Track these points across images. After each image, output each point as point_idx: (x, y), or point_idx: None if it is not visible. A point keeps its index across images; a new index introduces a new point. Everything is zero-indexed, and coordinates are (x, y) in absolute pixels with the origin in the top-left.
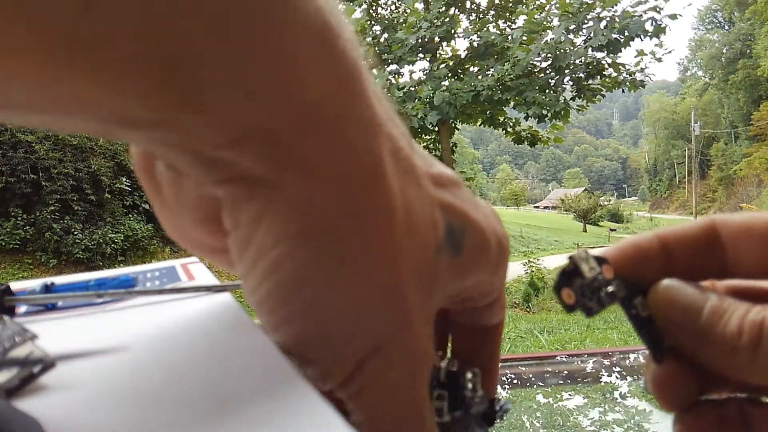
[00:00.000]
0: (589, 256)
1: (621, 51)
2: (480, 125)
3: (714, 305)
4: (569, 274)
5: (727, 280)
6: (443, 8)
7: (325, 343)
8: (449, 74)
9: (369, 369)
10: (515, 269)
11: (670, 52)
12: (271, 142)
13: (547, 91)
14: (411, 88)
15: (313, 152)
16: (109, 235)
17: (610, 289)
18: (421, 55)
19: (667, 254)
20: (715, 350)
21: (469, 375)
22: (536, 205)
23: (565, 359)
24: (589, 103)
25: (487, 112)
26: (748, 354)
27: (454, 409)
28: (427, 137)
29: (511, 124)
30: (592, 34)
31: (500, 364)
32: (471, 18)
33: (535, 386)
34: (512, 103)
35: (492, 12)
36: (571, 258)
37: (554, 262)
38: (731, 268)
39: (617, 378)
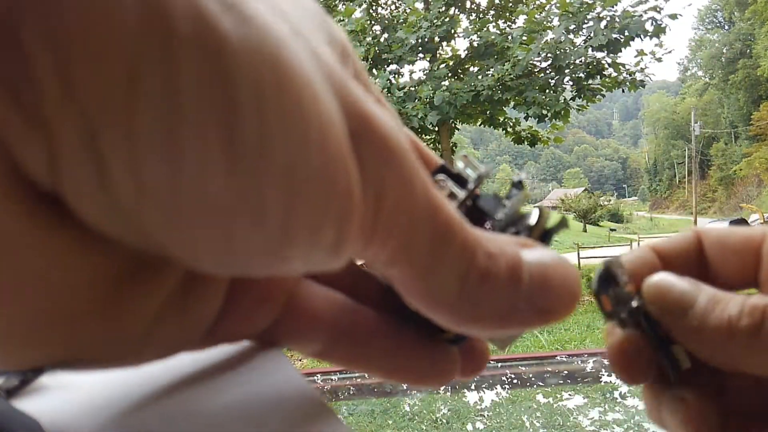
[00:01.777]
0: (621, 264)
1: (621, 51)
2: (480, 125)
3: (711, 294)
4: (606, 281)
5: None
6: (443, 8)
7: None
8: (449, 74)
9: (367, 162)
10: None
11: (670, 52)
12: None
13: (547, 91)
14: (411, 88)
15: None
16: None
17: (635, 303)
18: (421, 54)
19: (665, 265)
20: (711, 336)
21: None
22: (536, 205)
23: (565, 359)
24: (589, 103)
25: (487, 112)
26: (747, 338)
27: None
28: (427, 137)
29: (511, 124)
30: (592, 34)
31: (500, 364)
32: (471, 18)
33: (535, 386)
34: (512, 103)
35: (492, 12)
36: (607, 265)
37: None
38: (713, 277)
39: (617, 378)
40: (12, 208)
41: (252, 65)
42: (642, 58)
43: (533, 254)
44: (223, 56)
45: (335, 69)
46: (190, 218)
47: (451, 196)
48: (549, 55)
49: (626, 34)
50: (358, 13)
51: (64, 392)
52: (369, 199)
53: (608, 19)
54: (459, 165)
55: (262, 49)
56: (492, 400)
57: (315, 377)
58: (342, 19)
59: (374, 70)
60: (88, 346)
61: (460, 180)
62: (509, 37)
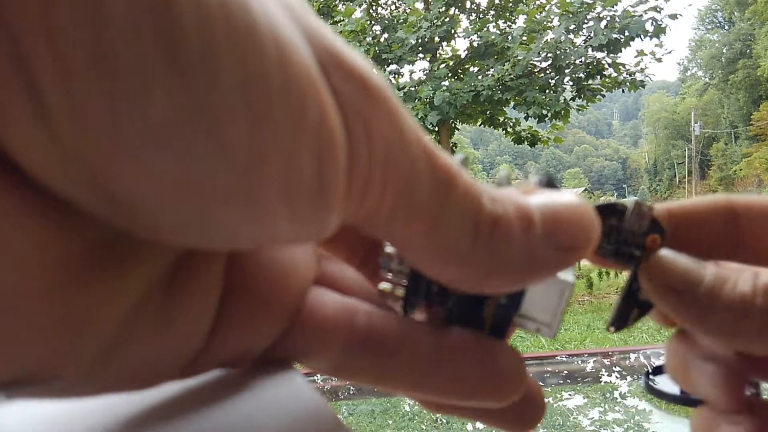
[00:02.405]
0: (647, 213)
1: (621, 51)
2: (480, 125)
3: (716, 271)
4: (614, 211)
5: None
6: (443, 8)
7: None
8: (449, 74)
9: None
10: None
11: (670, 52)
12: None
13: (547, 91)
14: (411, 88)
15: None
16: None
17: (638, 253)
18: (421, 55)
19: (677, 229)
20: (721, 317)
21: None
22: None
23: (565, 359)
24: (589, 103)
25: (487, 112)
26: (763, 317)
27: None
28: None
29: (511, 124)
30: (592, 34)
31: None
32: (471, 18)
33: None
34: (512, 103)
35: (492, 12)
36: (634, 202)
37: None
38: (745, 251)
39: (617, 378)
40: None
41: None
42: (642, 58)
43: (538, 197)
44: None
45: (298, 8)
46: (136, 146)
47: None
48: (549, 55)
49: (626, 34)
50: (358, 13)
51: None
52: (358, 137)
53: (608, 19)
54: None
55: None
56: None
57: (315, 377)
58: (342, 19)
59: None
60: (49, 340)
61: None
62: (509, 37)
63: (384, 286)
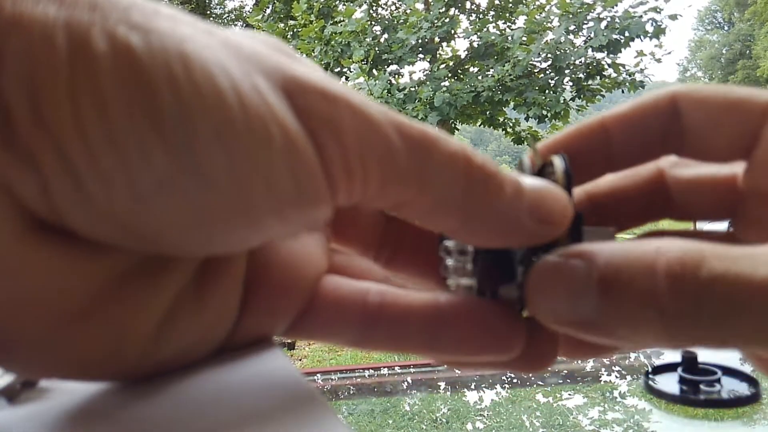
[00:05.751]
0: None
1: (621, 51)
2: (480, 126)
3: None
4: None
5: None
6: (443, 8)
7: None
8: (449, 75)
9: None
10: None
11: (669, 53)
12: None
13: (547, 91)
14: (411, 89)
15: None
16: None
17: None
18: (421, 55)
19: (608, 141)
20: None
21: None
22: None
23: (564, 359)
24: (589, 104)
25: (487, 113)
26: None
27: None
28: None
29: (511, 124)
30: (592, 35)
31: None
32: (471, 18)
33: (535, 386)
34: (512, 104)
35: (492, 12)
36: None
37: None
38: (689, 148)
39: (617, 377)
40: (15, 239)
41: (160, 59)
42: (642, 59)
43: (526, 178)
44: (135, 59)
45: (253, 49)
46: (151, 197)
47: (462, 252)
48: (549, 55)
49: (626, 34)
50: (358, 14)
51: (65, 396)
52: (326, 140)
53: (608, 19)
54: None
55: (167, 46)
56: (492, 400)
57: (315, 377)
58: (342, 19)
59: (374, 71)
60: (101, 348)
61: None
62: (509, 38)
63: (450, 282)
